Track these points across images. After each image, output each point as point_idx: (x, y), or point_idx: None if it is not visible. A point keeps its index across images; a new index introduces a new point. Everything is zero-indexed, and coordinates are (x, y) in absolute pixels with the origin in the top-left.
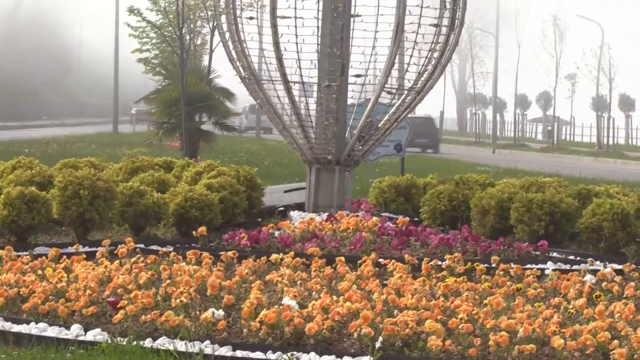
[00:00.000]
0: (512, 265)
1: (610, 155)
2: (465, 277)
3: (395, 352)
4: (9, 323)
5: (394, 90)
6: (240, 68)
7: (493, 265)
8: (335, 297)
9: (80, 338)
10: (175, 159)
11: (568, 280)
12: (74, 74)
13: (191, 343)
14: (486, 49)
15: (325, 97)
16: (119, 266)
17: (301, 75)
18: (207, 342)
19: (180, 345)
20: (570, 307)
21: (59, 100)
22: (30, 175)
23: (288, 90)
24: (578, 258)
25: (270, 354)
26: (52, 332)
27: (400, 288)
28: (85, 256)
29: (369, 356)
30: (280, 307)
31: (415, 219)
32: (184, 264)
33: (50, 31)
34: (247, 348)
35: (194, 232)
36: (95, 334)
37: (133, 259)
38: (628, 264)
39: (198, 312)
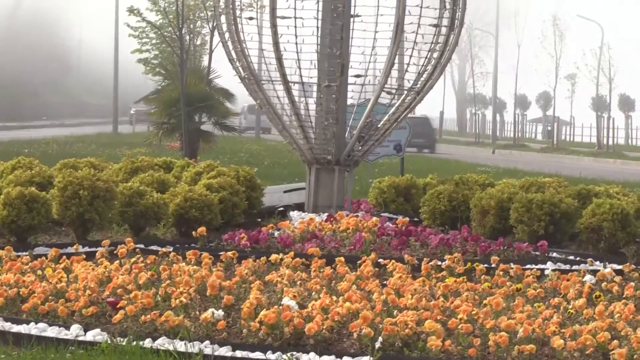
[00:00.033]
0: (512, 265)
1: (610, 155)
2: (465, 277)
3: (395, 352)
4: (9, 323)
5: (393, 91)
6: (240, 68)
7: (493, 265)
8: (335, 298)
9: (80, 338)
10: (175, 159)
11: (568, 280)
12: (74, 74)
13: (191, 343)
14: (486, 49)
15: (324, 98)
16: (118, 266)
17: (301, 76)
18: (207, 342)
19: (180, 346)
20: (570, 307)
21: (59, 101)
22: (30, 175)
23: (288, 91)
24: (578, 258)
25: (269, 354)
26: (52, 332)
27: (400, 288)
28: (85, 256)
29: (368, 356)
30: (280, 307)
31: (415, 219)
32: (183, 264)
33: (50, 31)
34: (246, 348)
35: (193, 233)
36: (95, 334)
37: (133, 259)
38: (628, 264)
39: (198, 313)
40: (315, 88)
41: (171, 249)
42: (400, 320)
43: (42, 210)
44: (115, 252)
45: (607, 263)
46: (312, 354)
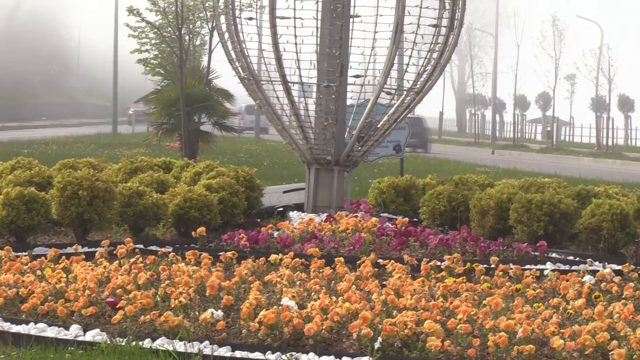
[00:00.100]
0: (511, 265)
1: (609, 155)
2: (464, 277)
3: (394, 352)
4: (8, 323)
5: (393, 91)
6: (240, 69)
7: (492, 265)
8: (334, 298)
9: (79, 338)
10: (174, 160)
11: (567, 280)
12: (73, 74)
13: (190, 343)
14: (485, 49)
15: (324, 98)
16: (118, 267)
17: (300, 76)
18: (206, 342)
19: (180, 346)
20: (570, 307)
21: (58, 101)
22: (30, 175)
23: (287, 91)
24: (577, 258)
25: (269, 355)
26: (51, 332)
27: (400, 288)
28: (84, 256)
29: (368, 357)
30: (280, 307)
31: (415, 219)
32: (183, 264)
33: (50, 32)
34: (246, 348)
35: (193, 233)
36: (94, 335)
37: (132, 260)
38: (627, 264)
39: (197, 313)
40: (314, 88)
41: (170, 249)
42: (400, 321)
43: (41, 210)
44: (114, 252)
45: (606, 263)
46: (311, 354)
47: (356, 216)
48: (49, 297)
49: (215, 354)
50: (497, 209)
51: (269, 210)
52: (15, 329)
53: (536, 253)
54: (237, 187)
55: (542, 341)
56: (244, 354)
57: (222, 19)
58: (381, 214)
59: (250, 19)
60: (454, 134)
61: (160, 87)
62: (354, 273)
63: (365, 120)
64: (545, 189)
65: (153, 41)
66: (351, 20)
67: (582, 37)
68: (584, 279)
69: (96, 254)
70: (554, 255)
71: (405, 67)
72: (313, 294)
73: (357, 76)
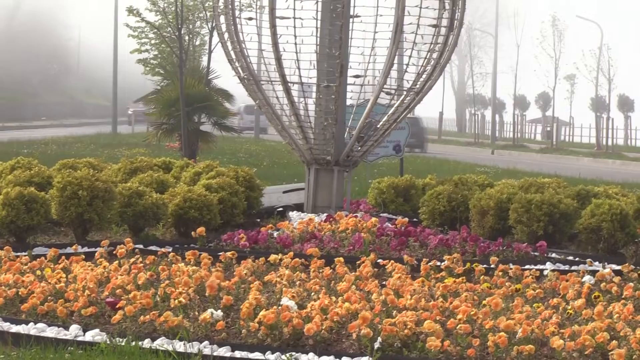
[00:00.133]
0: (511, 265)
1: (609, 155)
2: (464, 277)
3: (394, 352)
4: (8, 323)
5: (393, 91)
6: (239, 69)
7: (492, 265)
8: (334, 298)
9: (79, 338)
10: (174, 160)
11: (567, 280)
12: (73, 74)
13: (190, 343)
14: (485, 49)
15: (324, 98)
16: (117, 267)
17: (300, 76)
18: (206, 342)
19: (179, 346)
20: (569, 307)
21: (58, 101)
22: (29, 175)
23: (287, 91)
24: (577, 259)
25: (269, 355)
26: (51, 332)
27: (399, 289)
28: (84, 257)
29: (367, 357)
30: (279, 307)
31: (414, 219)
32: (182, 264)
33: (50, 32)
34: (245, 349)
35: (192, 233)
36: (94, 335)
37: (132, 260)
38: (627, 264)
39: (197, 313)
40: (314, 88)
41: (170, 249)
42: (400, 321)
43: (41, 210)
44: (114, 252)
45: (606, 263)
46: (311, 355)
47: (356, 216)
48: (49, 297)
49: (215, 354)
50: (496, 209)
51: (268, 210)
52: (15, 329)
53: (536, 253)
54: (236, 187)
55: (542, 341)
56: (244, 354)
57: (222, 19)
58: (381, 214)
59: (250, 19)
60: (453, 134)
61: (160, 87)
62: (353, 273)
63: (365, 120)
64: (545, 189)
65: (153, 41)
66: (351, 20)
67: (582, 37)
68: (583, 279)
69: (96, 254)
70: (553, 255)
71: (405, 67)
72: (313, 294)
73: (356, 76)
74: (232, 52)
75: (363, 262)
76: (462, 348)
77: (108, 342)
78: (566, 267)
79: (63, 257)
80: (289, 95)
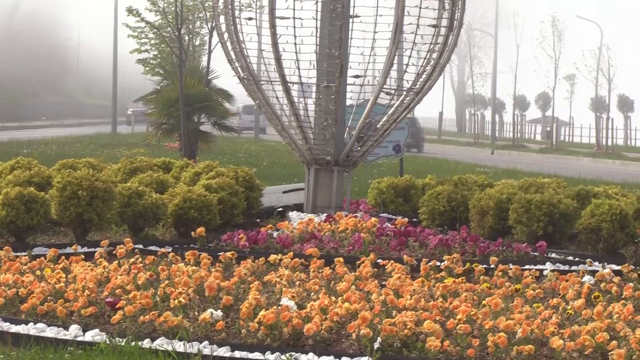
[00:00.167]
0: (511, 266)
1: (609, 156)
2: (464, 277)
3: (394, 352)
4: (8, 323)
5: (392, 91)
6: (239, 69)
7: (492, 266)
8: (333, 298)
9: (79, 338)
10: (174, 160)
11: (567, 281)
12: (73, 74)
13: (190, 344)
14: (485, 49)
15: (323, 98)
16: (117, 267)
17: (300, 76)
18: (206, 342)
19: (179, 346)
20: (569, 307)
21: (58, 101)
22: (29, 175)
23: (287, 91)
24: (577, 259)
25: (268, 355)
26: (51, 332)
27: (399, 289)
28: (83, 257)
29: (367, 357)
30: (279, 307)
31: (414, 219)
32: (182, 264)
33: (49, 32)
34: (245, 349)
35: (192, 233)
36: (94, 335)
37: (132, 260)
38: (626, 264)
39: (197, 313)
40: (314, 88)
41: (170, 250)
42: (399, 321)
43: (40, 210)
44: (114, 252)
45: (605, 264)
46: (310, 355)
47: (355, 216)
48: (49, 297)
49: (214, 354)
50: (496, 209)
51: (268, 210)
52: (14, 329)
53: (536, 253)
54: (236, 187)
55: (542, 341)
56: (244, 354)
57: (222, 19)
58: (381, 214)
59: (250, 19)
60: (453, 134)
61: (160, 87)
62: (353, 273)
63: (364, 120)
64: (544, 189)
65: (152, 41)
66: (351, 20)
67: (582, 37)
68: (583, 279)
69: (95, 254)
70: (553, 255)
71: (404, 67)
72: (312, 294)
73: (356, 76)
74: (231, 52)
75: (363, 262)
76: (461, 348)
77: (108, 342)
78: (566, 267)
79: (63, 257)
80: (288, 96)
